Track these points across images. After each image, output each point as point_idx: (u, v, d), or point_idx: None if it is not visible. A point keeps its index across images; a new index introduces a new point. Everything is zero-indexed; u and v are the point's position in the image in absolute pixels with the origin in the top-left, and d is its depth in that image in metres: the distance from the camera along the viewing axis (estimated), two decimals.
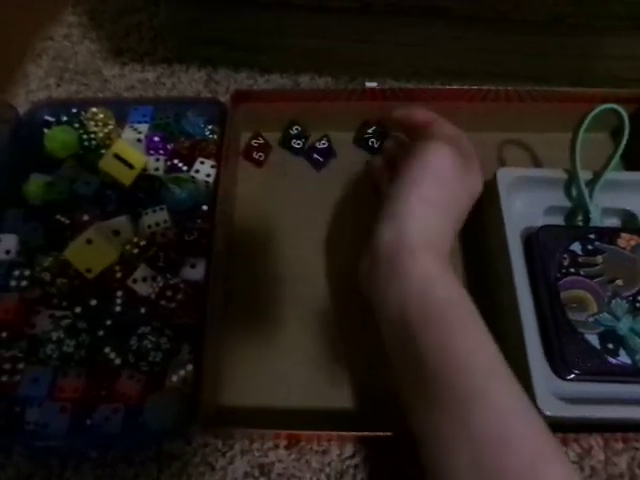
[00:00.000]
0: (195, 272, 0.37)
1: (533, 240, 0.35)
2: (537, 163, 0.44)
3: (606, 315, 0.31)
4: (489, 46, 0.48)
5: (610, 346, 0.30)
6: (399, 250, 0.29)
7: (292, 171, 0.45)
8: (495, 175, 0.37)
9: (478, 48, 0.48)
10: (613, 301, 0.32)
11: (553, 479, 0.23)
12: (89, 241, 0.35)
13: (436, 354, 0.25)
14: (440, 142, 0.32)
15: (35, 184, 0.40)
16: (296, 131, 0.45)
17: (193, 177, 0.41)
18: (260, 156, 0.44)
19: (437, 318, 0.26)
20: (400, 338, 0.27)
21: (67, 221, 0.39)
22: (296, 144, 0.45)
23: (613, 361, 0.30)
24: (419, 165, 0.31)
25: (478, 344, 0.26)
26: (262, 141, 0.45)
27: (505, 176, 0.37)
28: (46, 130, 0.43)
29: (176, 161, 0.43)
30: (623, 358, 0.30)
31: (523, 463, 0.23)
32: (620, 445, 0.34)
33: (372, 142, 0.45)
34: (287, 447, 0.35)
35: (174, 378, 0.33)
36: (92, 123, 0.43)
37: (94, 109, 0.43)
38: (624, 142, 0.35)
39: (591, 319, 0.31)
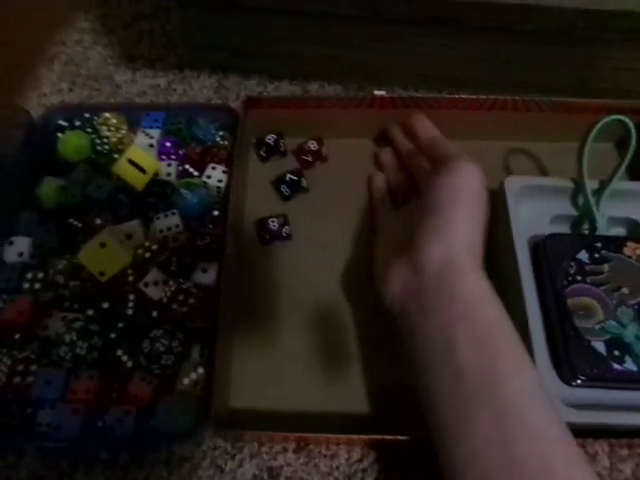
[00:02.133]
0: (207, 276, 0.37)
1: (540, 248, 0.35)
2: (543, 172, 0.45)
3: (612, 322, 0.32)
4: (497, 56, 0.48)
5: (616, 353, 0.31)
6: (450, 266, 0.29)
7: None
8: (502, 183, 0.37)
9: (486, 58, 0.48)
10: (619, 309, 0.32)
11: None
12: (102, 244, 0.36)
13: (479, 372, 0.26)
14: (469, 162, 0.33)
15: (48, 188, 0.41)
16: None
17: (205, 182, 0.42)
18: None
19: (483, 339, 0.27)
20: (441, 355, 0.28)
21: (80, 224, 0.39)
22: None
23: (619, 368, 0.30)
24: (459, 185, 0.32)
25: (519, 367, 0.27)
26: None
27: (513, 184, 0.37)
28: (59, 134, 0.43)
29: (187, 166, 0.43)
30: (629, 365, 0.30)
31: None
32: (625, 452, 0.34)
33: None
34: (296, 451, 0.35)
35: (185, 381, 0.34)
36: (105, 128, 0.44)
37: (107, 114, 0.44)
38: (631, 152, 0.35)
39: (597, 326, 0.32)
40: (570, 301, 0.33)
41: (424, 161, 0.38)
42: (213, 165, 0.42)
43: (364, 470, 0.34)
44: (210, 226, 0.40)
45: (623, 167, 0.36)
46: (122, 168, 0.40)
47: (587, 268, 0.34)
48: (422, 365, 0.29)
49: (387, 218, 0.39)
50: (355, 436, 0.33)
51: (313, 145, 0.45)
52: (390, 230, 0.37)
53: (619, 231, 0.39)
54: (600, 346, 0.31)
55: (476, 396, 0.26)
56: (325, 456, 0.35)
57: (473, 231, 0.31)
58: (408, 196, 0.40)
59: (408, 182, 0.41)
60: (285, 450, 0.35)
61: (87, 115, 0.45)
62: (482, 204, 0.32)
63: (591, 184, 0.37)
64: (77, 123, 0.44)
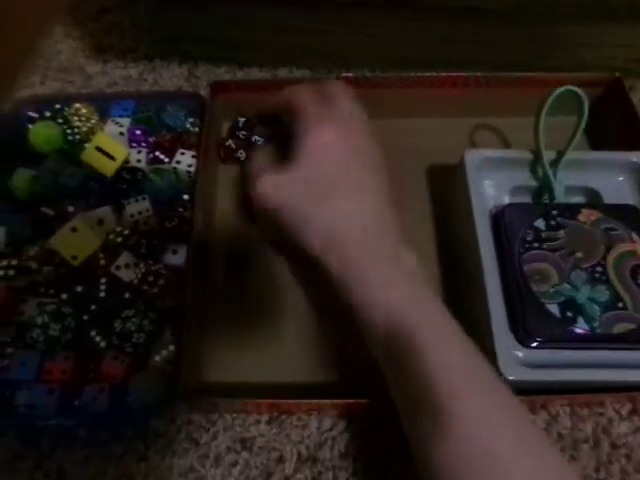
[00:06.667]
0: (177, 257, 0.38)
1: (499, 218, 0.36)
2: (507, 146, 0.46)
3: (566, 286, 0.33)
4: (455, 36, 0.49)
5: (569, 314, 0.32)
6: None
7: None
8: (462, 157, 0.38)
9: (444, 38, 0.49)
10: (573, 272, 0.33)
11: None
12: (73, 229, 0.37)
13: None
14: None
15: (20, 179, 0.42)
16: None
17: (175, 168, 0.42)
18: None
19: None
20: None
21: (52, 212, 0.40)
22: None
23: (572, 329, 0.31)
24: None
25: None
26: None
27: (472, 157, 0.38)
28: (30, 126, 0.44)
29: (158, 153, 0.44)
30: (581, 325, 0.31)
31: None
32: (585, 411, 0.35)
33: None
34: (268, 422, 0.36)
35: (157, 358, 0.35)
36: (75, 118, 0.45)
37: (77, 105, 0.45)
38: (583, 121, 0.36)
39: (552, 290, 0.33)
40: (527, 267, 0.34)
41: None
42: (182, 150, 0.43)
43: (334, 438, 0.35)
44: (180, 210, 0.40)
45: (577, 137, 0.37)
46: (90, 156, 0.41)
47: (543, 235, 0.35)
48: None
49: None
50: (327, 400, 0.34)
51: None
52: None
53: (579, 200, 0.40)
54: (554, 308, 0.32)
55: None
56: (296, 426, 0.36)
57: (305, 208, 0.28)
58: None
59: None
60: (258, 422, 0.36)
61: (57, 106, 0.45)
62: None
63: (549, 155, 0.38)
64: (47, 114, 0.45)
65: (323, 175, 0.28)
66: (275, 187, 0.29)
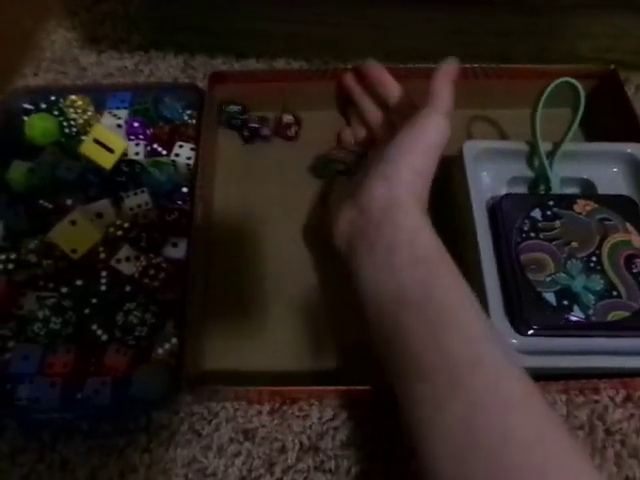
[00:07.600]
0: (177, 251, 0.38)
1: (497, 208, 0.37)
2: (504, 138, 0.46)
3: (562, 275, 0.33)
4: (458, 27, 0.49)
5: (565, 302, 0.32)
6: (391, 203, 0.31)
7: (269, 151, 0.46)
8: (461, 148, 0.39)
9: (447, 30, 0.49)
10: (569, 262, 0.34)
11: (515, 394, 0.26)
12: (73, 222, 0.37)
13: (418, 288, 0.28)
14: (441, 117, 0.33)
15: (17, 171, 0.41)
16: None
17: (174, 161, 0.42)
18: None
19: (423, 260, 0.30)
20: (383, 278, 0.30)
21: (50, 206, 0.40)
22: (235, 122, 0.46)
23: (568, 317, 0.32)
24: (418, 136, 0.33)
25: (456, 283, 0.30)
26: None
27: (471, 148, 0.39)
28: (25, 118, 0.44)
29: (156, 145, 0.44)
30: (577, 313, 0.32)
31: (489, 380, 0.26)
32: (580, 399, 0.36)
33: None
34: (270, 413, 0.36)
35: (160, 351, 0.35)
36: (71, 110, 0.44)
37: (72, 96, 0.44)
38: (580, 113, 0.37)
39: (548, 279, 0.33)
40: (524, 257, 0.34)
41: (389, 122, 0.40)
42: (180, 143, 0.43)
43: (335, 428, 0.36)
44: (179, 202, 0.40)
45: (574, 128, 0.37)
46: (89, 148, 0.40)
47: (540, 225, 0.35)
48: (367, 294, 0.31)
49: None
50: (329, 387, 0.34)
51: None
52: (346, 182, 0.39)
53: (574, 191, 0.40)
54: (550, 297, 0.33)
55: (415, 309, 0.28)
56: (298, 417, 0.36)
57: (416, 181, 0.32)
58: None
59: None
60: (260, 413, 0.36)
61: (53, 98, 0.45)
62: (434, 159, 0.33)
63: (545, 146, 0.39)
64: (43, 106, 0.44)
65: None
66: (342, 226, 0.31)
